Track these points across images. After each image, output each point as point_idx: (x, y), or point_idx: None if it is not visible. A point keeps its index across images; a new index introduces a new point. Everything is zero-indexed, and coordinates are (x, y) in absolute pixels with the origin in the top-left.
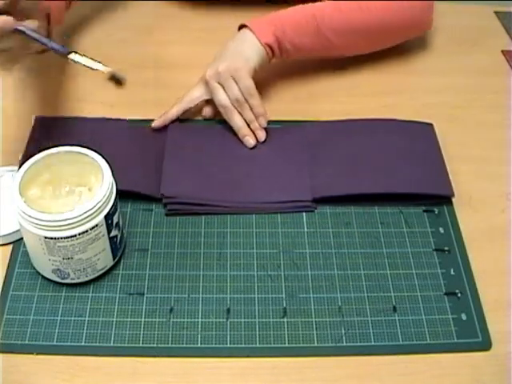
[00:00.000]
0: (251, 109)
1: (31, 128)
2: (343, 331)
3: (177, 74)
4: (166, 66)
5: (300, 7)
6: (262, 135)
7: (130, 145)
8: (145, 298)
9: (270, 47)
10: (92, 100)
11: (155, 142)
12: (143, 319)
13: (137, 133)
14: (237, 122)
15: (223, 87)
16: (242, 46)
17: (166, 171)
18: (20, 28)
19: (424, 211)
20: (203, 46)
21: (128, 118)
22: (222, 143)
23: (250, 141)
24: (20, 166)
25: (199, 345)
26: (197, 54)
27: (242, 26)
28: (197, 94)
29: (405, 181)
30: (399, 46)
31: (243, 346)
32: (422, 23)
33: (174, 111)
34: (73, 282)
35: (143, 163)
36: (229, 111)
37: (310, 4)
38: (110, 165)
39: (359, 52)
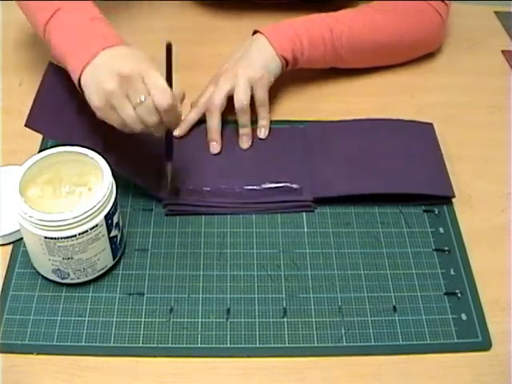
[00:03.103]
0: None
1: (43, 74)
2: (343, 331)
3: (177, 74)
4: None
5: (318, 19)
6: (247, 144)
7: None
8: (145, 298)
9: (287, 60)
10: None
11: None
12: (143, 319)
13: None
14: (214, 123)
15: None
16: (262, 55)
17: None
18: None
19: (424, 211)
20: (204, 46)
21: None
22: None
23: (217, 147)
24: (29, 117)
25: (199, 345)
26: (197, 54)
27: (255, 31)
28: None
29: (405, 181)
30: None
31: (243, 345)
32: (433, 42)
33: (194, 116)
34: (73, 282)
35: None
36: (215, 111)
37: (327, 15)
38: (108, 164)
39: (368, 66)
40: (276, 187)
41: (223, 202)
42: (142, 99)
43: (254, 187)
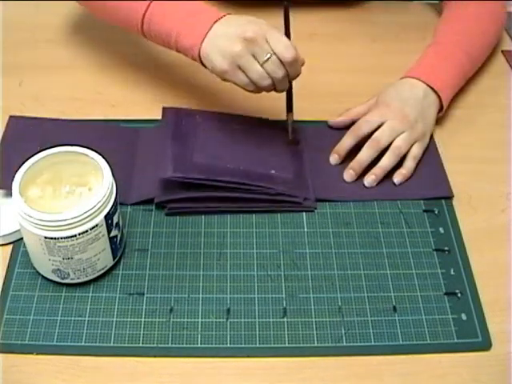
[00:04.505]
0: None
1: (4, 128)
2: (343, 331)
3: (177, 74)
4: (167, 65)
5: (464, 58)
6: (350, 178)
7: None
8: (145, 298)
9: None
10: (92, 99)
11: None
12: (143, 319)
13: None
14: (348, 143)
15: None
16: (430, 110)
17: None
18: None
19: (424, 211)
20: None
21: (128, 118)
22: (217, 143)
23: (337, 160)
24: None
25: (199, 345)
26: None
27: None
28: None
29: (405, 185)
30: (399, 46)
31: (243, 345)
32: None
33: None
34: (73, 282)
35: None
36: (355, 136)
37: (463, 54)
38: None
39: None
40: (278, 176)
41: (226, 180)
42: (269, 56)
43: (258, 170)
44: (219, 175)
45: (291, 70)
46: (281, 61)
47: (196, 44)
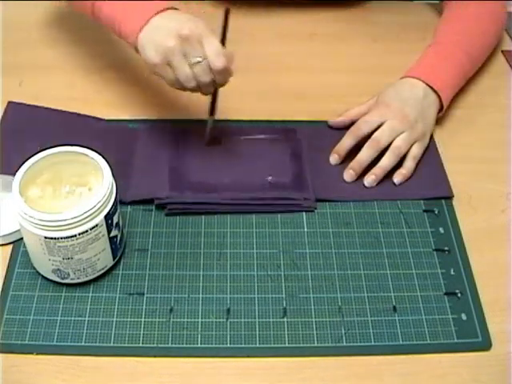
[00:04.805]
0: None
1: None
2: (343, 331)
3: None
4: None
5: (464, 58)
6: (350, 178)
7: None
8: (145, 298)
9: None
10: (92, 99)
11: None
12: (143, 319)
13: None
14: (347, 143)
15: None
16: (430, 110)
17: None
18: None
19: (424, 211)
20: None
21: (127, 118)
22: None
23: (337, 160)
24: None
25: (199, 345)
26: None
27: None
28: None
29: (405, 185)
30: (399, 46)
31: (243, 345)
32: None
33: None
34: (73, 282)
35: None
36: (355, 137)
37: (457, 51)
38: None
39: None
40: (277, 183)
41: (224, 197)
42: (199, 60)
43: (256, 180)
44: (215, 191)
45: (218, 78)
46: (210, 67)
47: (134, 32)
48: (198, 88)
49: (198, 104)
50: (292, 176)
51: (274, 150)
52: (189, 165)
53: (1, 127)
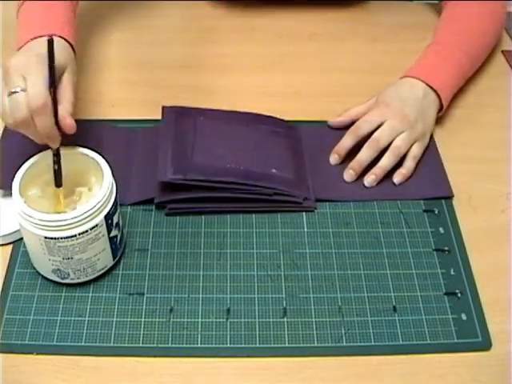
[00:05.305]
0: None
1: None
2: (343, 331)
3: (177, 74)
4: (166, 65)
5: (464, 58)
6: (350, 178)
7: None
8: (145, 298)
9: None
10: (92, 99)
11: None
12: (143, 319)
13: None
14: (347, 143)
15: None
16: (430, 109)
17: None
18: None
19: (424, 211)
20: (204, 46)
21: (127, 118)
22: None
23: (337, 160)
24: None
25: (199, 345)
26: (198, 54)
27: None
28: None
29: (405, 185)
30: (399, 46)
31: (243, 345)
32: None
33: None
34: (73, 282)
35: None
36: (355, 136)
37: (463, 54)
38: (110, 165)
39: None
40: (281, 177)
41: (226, 180)
42: (18, 90)
43: (259, 170)
44: (219, 175)
45: (37, 120)
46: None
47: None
48: (32, 132)
49: (197, 104)
50: (294, 173)
51: (278, 144)
52: (192, 149)
53: (1, 139)
